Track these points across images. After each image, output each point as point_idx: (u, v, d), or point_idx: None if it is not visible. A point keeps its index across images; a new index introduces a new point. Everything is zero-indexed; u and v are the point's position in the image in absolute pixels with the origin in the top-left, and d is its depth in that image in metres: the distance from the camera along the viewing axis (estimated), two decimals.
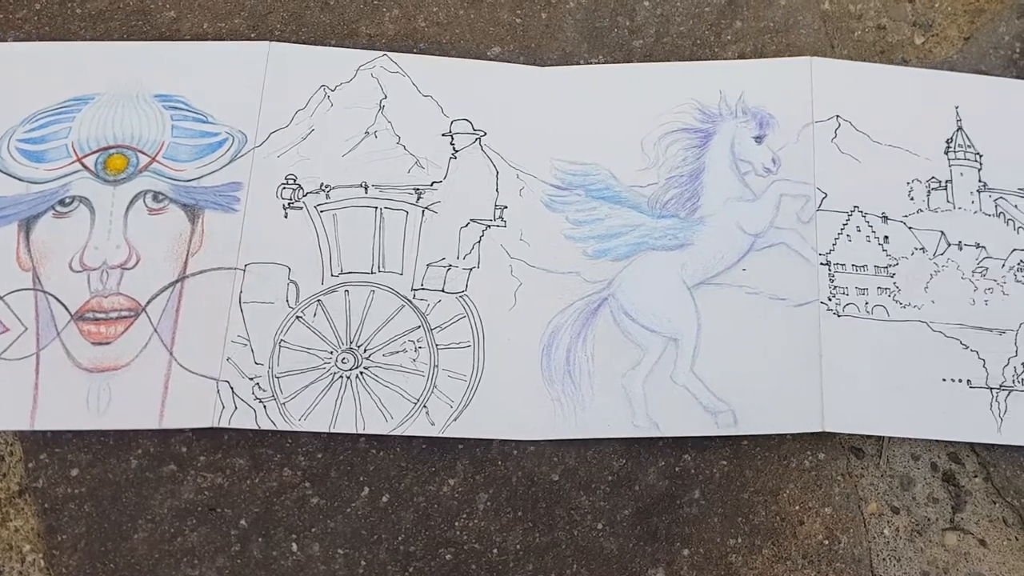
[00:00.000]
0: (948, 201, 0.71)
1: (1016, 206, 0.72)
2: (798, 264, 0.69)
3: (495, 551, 0.65)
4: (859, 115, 0.72)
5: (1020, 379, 0.68)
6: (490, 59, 0.73)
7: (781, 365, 0.67)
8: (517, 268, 0.69)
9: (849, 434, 0.67)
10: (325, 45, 0.73)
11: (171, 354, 0.65)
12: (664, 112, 0.72)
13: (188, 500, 0.65)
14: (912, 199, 0.71)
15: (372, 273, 0.68)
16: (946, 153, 0.72)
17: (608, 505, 0.66)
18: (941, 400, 0.67)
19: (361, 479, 0.66)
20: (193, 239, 0.68)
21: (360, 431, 0.65)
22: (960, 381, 0.68)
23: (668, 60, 0.74)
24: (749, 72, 0.73)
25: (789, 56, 0.74)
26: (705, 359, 0.67)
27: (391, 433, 0.65)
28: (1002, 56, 0.74)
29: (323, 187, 0.69)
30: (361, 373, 0.66)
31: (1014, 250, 0.71)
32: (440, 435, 0.65)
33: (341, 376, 0.66)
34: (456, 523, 0.65)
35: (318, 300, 0.67)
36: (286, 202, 0.69)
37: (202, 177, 0.69)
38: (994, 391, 0.68)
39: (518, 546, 0.65)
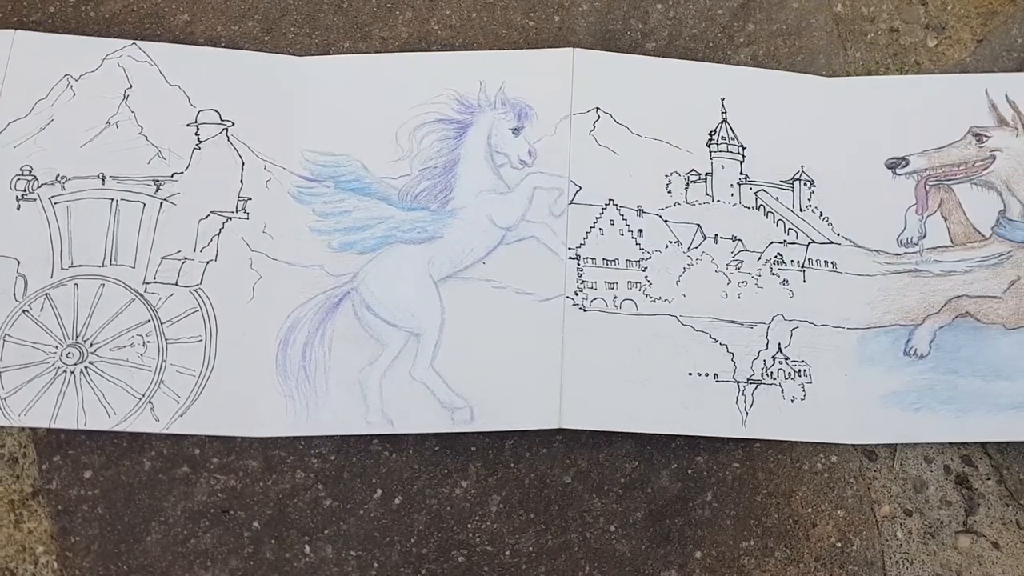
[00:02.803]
0: (707, 194, 0.70)
1: (777, 198, 0.71)
2: (547, 258, 0.68)
3: (507, 553, 0.64)
4: (620, 107, 0.71)
5: (769, 372, 0.67)
6: None
7: (522, 361, 0.66)
8: (257, 261, 0.67)
9: (589, 431, 0.66)
10: (337, 48, 0.72)
11: None
12: (421, 103, 0.71)
13: (201, 502, 0.64)
14: (670, 192, 0.70)
15: (103, 266, 0.66)
16: (708, 145, 0.71)
17: (621, 507, 0.66)
18: (686, 394, 0.66)
19: (374, 481, 0.65)
20: None
21: (81, 427, 0.63)
22: (707, 375, 0.67)
23: None
24: (511, 63, 0.72)
25: (801, 58, 0.73)
26: (446, 354, 0.66)
27: (113, 429, 0.63)
28: (1015, 58, 0.73)
29: (59, 178, 0.67)
30: (86, 368, 0.64)
31: (771, 243, 0.70)
32: (165, 431, 0.64)
33: (65, 371, 0.64)
34: (469, 525, 0.65)
35: (46, 294, 0.65)
36: (19, 194, 0.67)
37: None
38: (741, 384, 0.67)
39: (531, 548, 0.65)
